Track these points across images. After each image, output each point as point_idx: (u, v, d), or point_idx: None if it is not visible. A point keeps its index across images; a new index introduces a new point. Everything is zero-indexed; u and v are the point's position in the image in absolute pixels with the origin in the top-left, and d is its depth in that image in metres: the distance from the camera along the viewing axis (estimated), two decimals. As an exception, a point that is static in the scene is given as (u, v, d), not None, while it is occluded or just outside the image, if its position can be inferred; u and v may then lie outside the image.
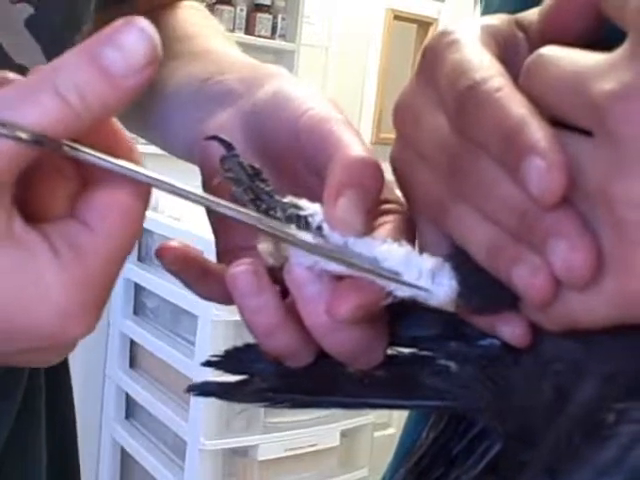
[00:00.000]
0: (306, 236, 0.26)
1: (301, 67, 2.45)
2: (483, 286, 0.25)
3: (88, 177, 0.25)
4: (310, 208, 0.26)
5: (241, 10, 2.18)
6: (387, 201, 0.30)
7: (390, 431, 2.29)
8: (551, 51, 0.23)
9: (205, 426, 1.62)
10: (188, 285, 0.32)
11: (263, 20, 2.23)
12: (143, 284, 1.92)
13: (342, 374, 0.29)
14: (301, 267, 0.26)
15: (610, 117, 0.21)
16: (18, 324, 0.24)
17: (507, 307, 0.25)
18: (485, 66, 0.24)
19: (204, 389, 0.31)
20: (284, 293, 0.28)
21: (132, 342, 1.98)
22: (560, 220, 0.22)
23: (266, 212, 0.27)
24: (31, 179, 0.24)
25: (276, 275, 0.28)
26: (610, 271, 0.22)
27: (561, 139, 0.22)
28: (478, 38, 0.26)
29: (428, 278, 0.26)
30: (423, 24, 3.31)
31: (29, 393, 0.44)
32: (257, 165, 0.28)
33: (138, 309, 2.00)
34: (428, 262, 0.26)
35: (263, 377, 0.30)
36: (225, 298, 0.29)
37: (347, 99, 3.04)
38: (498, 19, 0.28)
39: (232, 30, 2.15)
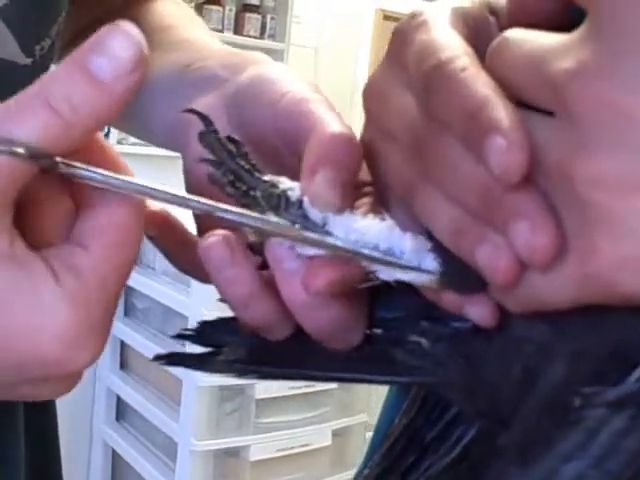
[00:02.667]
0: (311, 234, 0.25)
1: (290, 67, 2.45)
2: (463, 266, 0.25)
3: (81, 198, 0.25)
4: (289, 186, 0.26)
5: (230, 10, 2.18)
6: (366, 184, 0.30)
7: (383, 431, 2.29)
8: (515, 33, 0.23)
9: (196, 427, 1.62)
10: (167, 255, 0.32)
11: (252, 20, 2.24)
12: (133, 285, 1.91)
13: (314, 349, 0.29)
14: (281, 245, 0.26)
15: (568, 96, 0.20)
16: (21, 348, 0.23)
17: (484, 288, 0.25)
18: (451, 46, 0.24)
19: (172, 359, 0.31)
20: (265, 265, 0.28)
21: (122, 343, 1.98)
22: (522, 201, 0.22)
23: (246, 192, 0.26)
24: (25, 203, 0.24)
25: (259, 248, 0.28)
26: (573, 251, 0.22)
27: (524, 119, 0.22)
28: (447, 19, 0.26)
29: (412, 256, 0.26)
30: (413, 24, 3.33)
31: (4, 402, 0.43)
32: (237, 137, 0.28)
33: (128, 310, 1.99)
34: (411, 241, 0.26)
35: (233, 349, 0.30)
36: (204, 272, 0.29)
37: (337, 99, 3.05)
38: (470, 2, 0.28)
39: (221, 30, 2.16)
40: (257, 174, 0.27)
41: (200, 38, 0.41)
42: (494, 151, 0.21)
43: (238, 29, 2.21)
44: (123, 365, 2.00)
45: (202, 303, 1.57)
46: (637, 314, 0.22)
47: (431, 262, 0.26)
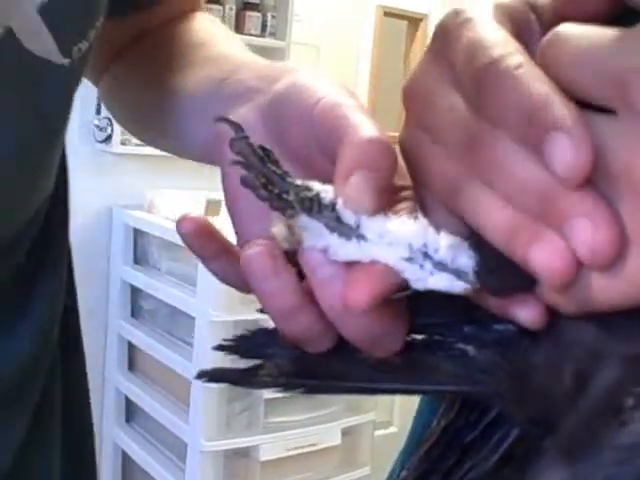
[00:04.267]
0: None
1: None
2: (501, 267, 0.24)
3: None
4: (322, 189, 0.26)
5: (230, 9, 2.17)
6: (404, 188, 0.30)
7: (392, 430, 2.29)
8: (567, 28, 0.23)
9: (205, 427, 1.62)
10: (205, 262, 0.32)
11: (252, 18, 2.22)
12: (139, 286, 1.92)
13: (356, 359, 0.29)
14: (314, 250, 0.26)
15: (632, 92, 0.20)
16: None
17: (524, 289, 0.25)
18: (503, 43, 0.24)
19: (215, 375, 0.30)
20: (301, 277, 0.27)
21: (130, 345, 1.99)
22: (583, 200, 0.21)
23: (279, 195, 0.26)
24: None
25: (293, 258, 0.27)
26: (632, 251, 0.21)
27: (585, 117, 0.21)
28: (492, 16, 0.25)
29: (446, 253, 0.25)
30: (414, 20, 3.31)
31: (44, 408, 0.43)
32: (267, 146, 0.27)
33: (135, 311, 2.00)
34: (446, 239, 0.25)
35: (276, 362, 0.30)
36: (241, 282, 0.29)
37: None
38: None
39: (222, 29, 2.17)
40: (289, 178, 0.27)
41: (235, 52, 0.41)
42: (558, 150, 0.21)
43: (239, 28, 2.20)
44: (131, 366, 2.00)
45: (209, 304, 1.57)
46: None
47: (467, 261, 0.25)
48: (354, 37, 3.21)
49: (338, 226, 0.25)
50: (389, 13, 3.22)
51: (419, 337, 0.30)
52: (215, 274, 0.32)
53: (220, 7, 2.15)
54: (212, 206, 1.77)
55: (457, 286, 0.25)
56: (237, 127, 0.28)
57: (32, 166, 0.36)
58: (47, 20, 0.32)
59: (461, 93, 0.25)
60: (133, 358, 2.00)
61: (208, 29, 0.48)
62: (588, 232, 0.21)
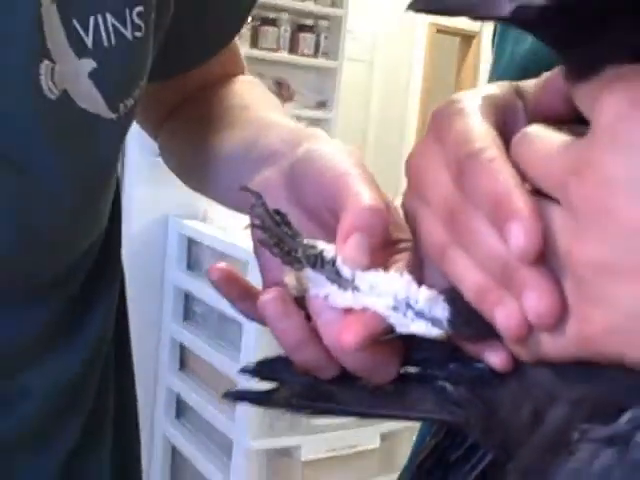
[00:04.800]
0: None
1: (345, 82, 2.53)
2: (473, 318, 0.30)
3: None
4: (325, 247, 0.32)
5: (285, 30, 2.24)
6: (401, 240, 0.36)
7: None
8: (533, 129, 0.28)
9: (251, 426, 1.67)
10: (231, 302, 0.38)
11: (306, 39, 2.29)
12: (192, 291, 2.00)
13: (357, 387, 0.35)
14: (318, 297, 0.31)
15: (569, 191, 0.25)
16: None
17: (491, 337, 0.30)
18: (483, 137, 0.28)
19: (238, 396, 0.37)
20: (308, 318, 0.33)
21: (182, 346, 2.06)
22: (532, 275, 0.26)
23: (288, 252, 0.32)
24: None
25: (302, 303, 0.33)
26: (571, 319, 0.26)
27: (539, 206, 0.26)
28: (479, 108, 0.30)
29: (424, 305, 0.30)
30: (465, 37, 3.32)
31: (98, 412, 0.48)
32: (282, 210, 0.33)
33: (187, 315, 2.06)
34: (425, 293, 0.30)
35: (289, 386, 0.35)
36: (261, 319, 0.34)
37: (391, 112, 3.08)
38: (500, 87, 0.32)
39: (276, 50, 2.24)
40: (298, 238, 0.32)
41: (267, 116, 0.48)
42: (513, 236, 0.25)
43: (293, 48, 2.27)
44: (182, 366, 2.07)
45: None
46: (625, 370, 0.27)
47: (442, 311, 0.30)
48: (406, 54, 3.23)
49: (337, 279, 0.31)
50: (441, 30, 3.24)
51: (413, 370, 0.36)
52: (240, 312, 0.38)
53: (276, 29, 2.22)
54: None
55: (433, 332, 0.30)
56: (256, 195, 0.34)
57: (86, 207, 0.42)
58: (97, 83, 0.38)
59: (449, 173, 0.29)
60: (184, 359, 2.07)
61: (248, 92, 0.54)
62: (534, 302, 0.26)
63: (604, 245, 0.24)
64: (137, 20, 0.39)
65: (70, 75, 0.36)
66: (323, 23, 2.33)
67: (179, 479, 2.08)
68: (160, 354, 2.10)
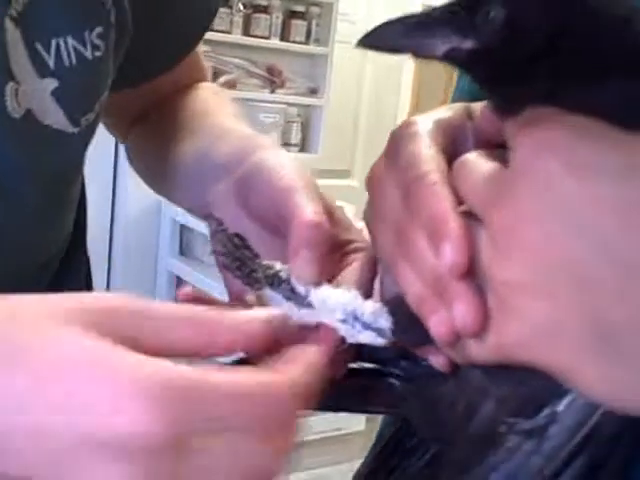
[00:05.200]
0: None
1: (339, 65, 2.56)
2: (412, 327, 0.33)
3: None
4: (281, 267, 0.36)
5: (277, 17, 2.26)
6: (352, 241, 0.40)
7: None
8: (470, 157, 0.32)
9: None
10: None
11: (298, 27, 2.31)
12: (184, 276, 2.04)
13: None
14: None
15: (490, 219, 0.29)
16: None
17: (430, 343, 0.34)
18: (428, 161, 0.32)
19: None
20: None
21: None
22: (462, 288, 0.30)
23: (249, 274, 0.35)
24: None
25: None
26: (491, 329, 0.29)
27: (470, 228, 0.30)
28: (429, 133, 0.34)
29: (369, 317, 0.34)
30: (459, 20, 3.34)
31: None
32: (241, 234, 0.37)
33: (180, 301, 2.11)
34: (370, 306, 0.34)
35: None
36: None
37: (383, 95, 3.10)
38: (452, 110, 0.36)
39: (268, 37, 2.27)
40: (257, 260, 0.36)
41: (223, 123, 0.51)
42: (445, 254, 0.29)
43: (285, 35, 2.29)
44: None
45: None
46: (543, 373, 0.30)
47: (385, 322, 0.34)
48: (399, 37, 3.25)
49: (293, 296, 0.34)
50: (435, 13, 3.25)
51: (368, 365, 0.40)
52: None
53: (267, 16, 2.24)
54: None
55: (379, 340, 0.34)
56: (217, 221, 0.37)
57: (51, 211, 0.45)
58: (59, 100, 0.41)
59: (399, 193, 0.33)
60: None
61: (208, 98, 0.57)
62: (461, 312, 0.29)
63: (516, 268, 0.28)
64: (96, 40, 0.41)
65: (33, 94, 0.39)
66: (314, 10, 2.36)
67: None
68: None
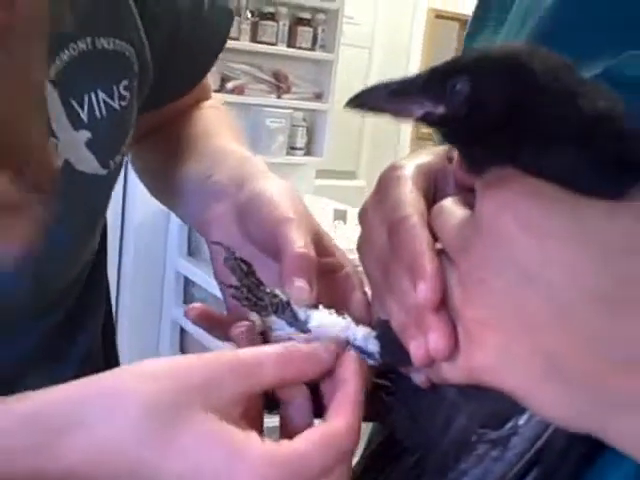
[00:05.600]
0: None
1: (345, 69, 2.60)
2: (396, 350, 0.38)
3: None
4: (283, 295, 0.40)
5: (284, 24, 2.31)
6: (338, 264, 0.45)
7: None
8: (445, 203, 0.36)
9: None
10: (207, 331, 0.46)
11: (304, 33, 2.35)
12: (191, 277, 2.08)
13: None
14: (277, 333, 0.40)
15: (458, 262, 0.33)
16: None
17: (412, 364, 0.38)
18: (410, 205, 0.36)
19: None
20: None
21: (182, 330, 2.14)
22: (434, 320, 0.34)
23: (256, 302, 0.40)
24: None
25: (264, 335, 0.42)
26: (461, 355, 0.34)
27: (444, 266, 0.34)
28: (412, 177, 0.38)
29: (361, 341, 0.39)
30: (464, 23, 3.36)
31: None
32: (248, 262, 0.40)
33: (187, 299, 2.15)
34: (361, 331, 0.39)
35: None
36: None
37: None
38: (434, 154, 0.40)
39: (275, 43, 2.32)
40: (262, 287, 0.39)
41: (224, 146, 0.55)
42: (421, 290, 0.33)
43: (291, 42, 2.33)
44: (182, 349, 2.15)
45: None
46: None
47: (373, 346, 0.39)
48: (405, 39, 3.28)
49: (295, 322, 0.39)
50: (440, 15, 3.28)
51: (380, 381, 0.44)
52: (215, 337, 0.46)
53: (274, 23, 2.28)
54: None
55: (369, 362, 0.39)
56: (229, 250, 0.42)
57: (82, 243, 0.50)
58: (91, 148, 0.45)
59: (385, 230, 0.37)
60: (184, 342, 2.15)
61: (211, 118, 0.61)
62: (434, 341, 0.34)
63: (479, 308, 0.32)
64: (123, 92, 0.46)
65: (69, 146, 0.44)
66: (320, 17, 2.40)
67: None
68: (161, 338, 2.18)
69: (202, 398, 0.34)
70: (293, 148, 2.51)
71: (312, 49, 2.39)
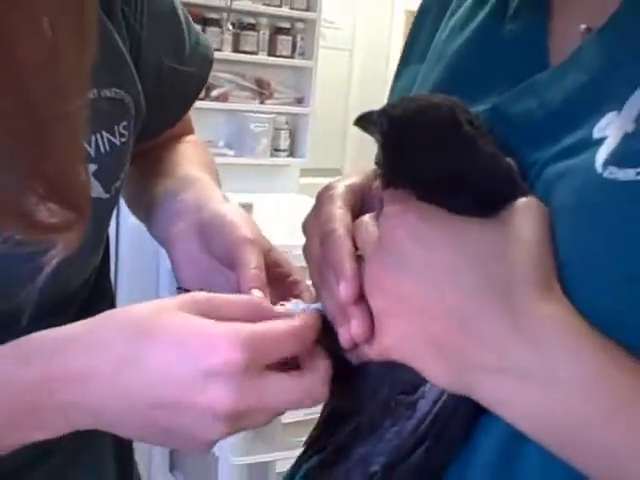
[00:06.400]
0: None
1: (327, 72, 2.66)
2: (332, 334, 0.45)
3: None
4: None
5: (264, 34, 2.39)
6: (287, 273, 0.55)
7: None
8: (364, 219, 0.44)
9: (232, 445, 1.80)
10: None
11: (284, 42, 2.44)
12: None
13: None
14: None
15: (367, 265, 0.42)
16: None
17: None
18: (337, 220, 0.45)
19: None
20: None
21: None
22: (354, 311, 0.42)
23: None
24: None
25: None
26: (375, 339, 0.42)
27: (362, 268, 0.42)
28: (341, 195, 0.47)
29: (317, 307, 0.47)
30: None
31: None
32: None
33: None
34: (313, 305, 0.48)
35: None
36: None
37: (370, 94, 3.17)
38: (362, 174, 0.49)
39: (256, 52, 2.41)
40: None
41: (192, 174, 0.64)
42: (341, 289, 0.42)
43: (272, 50, 2.41)
44: None
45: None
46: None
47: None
48: (385, 41, 3.34)
49: None
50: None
51: None
52: None
53: (255, 33, 2.35)
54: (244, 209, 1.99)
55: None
56: (185, 290, 0.52)
57: (90, 256, 0.57)
58: (97, 177, 0.54)
59: (318, 240, 0.45)
60: None
61: (187, 151, 0.70)
62: (354, 328, 0.42)
63: (382, 300, 0.41)
64: (122, 130, 0.56)
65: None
66: (299, 26, 2.48)
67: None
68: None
69: (186, 309, 0.42)
70: (277, 150, 2.59)
71: (292, 57, 2.47)
